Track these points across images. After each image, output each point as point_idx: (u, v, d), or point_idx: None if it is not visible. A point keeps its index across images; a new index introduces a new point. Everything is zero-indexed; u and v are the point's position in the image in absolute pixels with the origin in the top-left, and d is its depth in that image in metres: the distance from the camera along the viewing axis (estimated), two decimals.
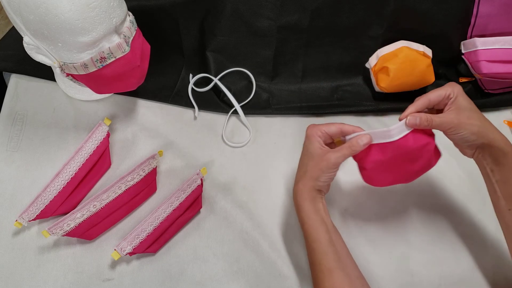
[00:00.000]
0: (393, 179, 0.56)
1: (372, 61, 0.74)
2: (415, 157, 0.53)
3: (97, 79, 0.58)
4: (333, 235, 0.55)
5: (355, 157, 0.56)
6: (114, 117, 0.71)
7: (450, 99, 0.52)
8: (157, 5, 0.71)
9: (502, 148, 0.51)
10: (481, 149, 0.53)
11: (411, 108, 0.53)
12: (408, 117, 0.52)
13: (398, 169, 0.54)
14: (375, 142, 0.53)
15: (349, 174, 0.65)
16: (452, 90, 0.52)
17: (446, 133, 0.52)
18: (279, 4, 0.71)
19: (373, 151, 0.53)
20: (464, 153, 0.57)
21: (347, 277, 0.52)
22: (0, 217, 0.62)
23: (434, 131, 0.54)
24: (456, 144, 0.56)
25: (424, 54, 0.72)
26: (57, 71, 0.59)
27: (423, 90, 0.76)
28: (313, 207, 0.55)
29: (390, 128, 0.52)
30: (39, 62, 0.58)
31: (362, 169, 0.56)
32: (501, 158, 0.52)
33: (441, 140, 0.55)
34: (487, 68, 0.72)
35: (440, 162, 0.59)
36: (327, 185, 0.56)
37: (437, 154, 0.55)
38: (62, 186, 0.62)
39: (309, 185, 0.55)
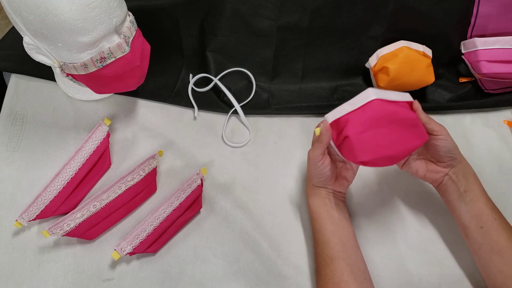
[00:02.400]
0: (381, 149, 0.50)
1: (372, 61, 0.74)
2: (397, 118, 0.50)
3: (97, 79, 0.58)
4: (340, 228, 0.57)
5: (336, 141, 0.53)
6: (114, 117, 0.71)
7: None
8: (157, 5, 0.71)
9: (472, 169, 0.57)
10: (456, 169, 0.56)
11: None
12: (416, 101, 0.54)
13: (383, 135, 0.50)
14: (353, 109, 0.51)
15: None
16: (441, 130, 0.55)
17: (433, 136, 0.55)
18: (279, 4, 0.71)
19: (354, 116, 0.50)
20: (436, 172, 0.58)
21: (348, 267, 0.53)
22: (0, 217, 0.62)
23: None
24: (435, 153, 0.56)
25: (424, 54, 0.72)
26: (57, 71, 0.59)
27: (423, 90, 0.77)
28: (317, 202, 0.59)
29: (368, 89, 0.51)
30: (39, 62, 0.58)
31: (344, 141, 0.51)
32: (472, 178, 0.56)
33: None
34: (487, 68, 0.72)
35: None
36: (324, 180, 0.58)
37: (423, 134, 0.53)
38: (62, 186, 0.62)
39: (310, 184, 0.61)
